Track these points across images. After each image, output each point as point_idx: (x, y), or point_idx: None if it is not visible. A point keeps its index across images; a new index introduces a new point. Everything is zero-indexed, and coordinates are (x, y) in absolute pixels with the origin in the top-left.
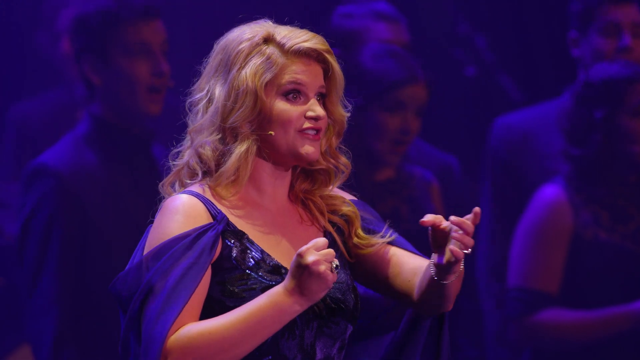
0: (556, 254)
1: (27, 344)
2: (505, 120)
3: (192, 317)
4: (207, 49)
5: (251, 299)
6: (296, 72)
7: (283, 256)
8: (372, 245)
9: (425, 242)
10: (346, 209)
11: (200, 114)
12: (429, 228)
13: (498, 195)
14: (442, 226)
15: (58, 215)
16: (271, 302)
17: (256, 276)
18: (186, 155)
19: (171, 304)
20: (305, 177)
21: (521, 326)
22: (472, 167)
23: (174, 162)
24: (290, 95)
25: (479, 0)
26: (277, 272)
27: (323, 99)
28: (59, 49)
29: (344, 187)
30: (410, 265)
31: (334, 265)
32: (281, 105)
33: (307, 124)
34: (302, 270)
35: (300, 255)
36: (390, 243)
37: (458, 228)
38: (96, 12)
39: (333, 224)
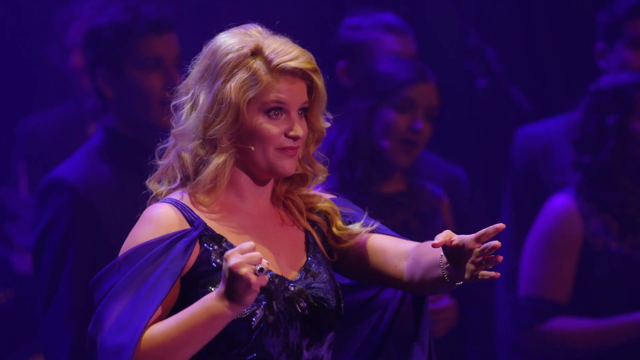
0: (566, 263)
1: (40, 356)
2: (526, 130)
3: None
4: None
5: None
6: (280, 90)
7: (264, 258)
8: (353, 236)
9: None
10: (323, 205)
11: (184, 117)
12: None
13: (517, 204)
14: (453, 243)
15: (73, 228)
16: (203, 307)
17: None
18: (170, 155)
19: (141, 311)
20: (285, 179)
21: (532, 335)
22: (482, 178)
23: (160, 161)
24: (272, 113)
25: (489, 12)
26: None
27: (305, 112)
28: (70, 63)
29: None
30: (395, 250)
31: (258, 268)
32: (262, 123)
33: (286, 143)
34: (227, 273)
35: (225, 259)
36: (372, 232)
37: (476, 245)
38: (110, 24)
39: (313, 223)
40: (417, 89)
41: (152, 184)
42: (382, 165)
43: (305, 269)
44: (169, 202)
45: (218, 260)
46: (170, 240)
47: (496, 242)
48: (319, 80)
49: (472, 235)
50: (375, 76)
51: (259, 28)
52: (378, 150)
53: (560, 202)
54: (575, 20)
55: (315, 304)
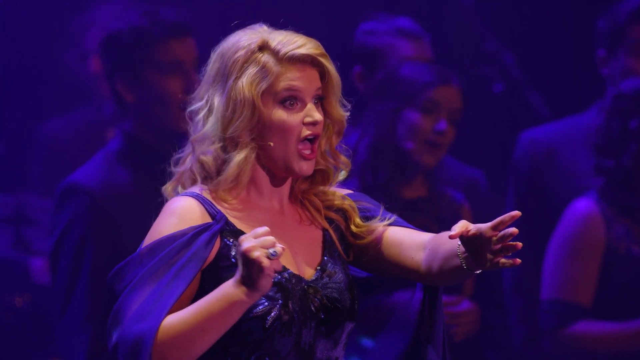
0: (589, 267)
1: None
2: (529, 134)
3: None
4: None
5: None
6: (291, 79)
7: (282, 256)
8: (372, 232)
9: None
10: (341, 202)
11: (201, 124)
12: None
13: (521, 209)
14: (470, 233)
15: (91, 233)
16: (220, 294)
17: None
18: (187, 161)
19: (162, 301)
20: (305, 177)
21: (555, 338)
22: (500, 182)
23: (176, 168)
24: (287, 103)
25: (506, 17)
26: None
27: (321, 101)
28: (88, 68)
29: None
30: (412, 242)
31: (271, 252)
32: (279, 114)
33: (305, 131)
34: (240, 258)
35: (239, 243)
36: (390, 225)
37: (494, 235)
38: (128, 29)
39: (331, 221)
40: (441, 91)
41: (168, 191)
42: (405, 167)
43: (322, 269)
44: (190, 196)
45: (238, 256)
46: (193, 233)
47: (514, 229)
48: (330, 65)
49: (489, 224)
50: (398, 79)
51: (264, 26)
52: (402, 152)
53: (583, 206)
54: (593, 25)
55: (330, 305)
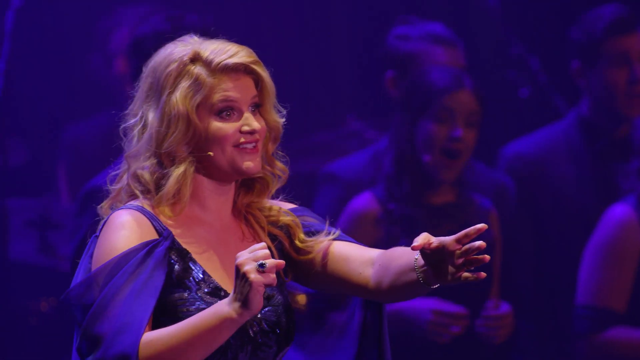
0: (625, 273)
1: None
2: (512, 148)
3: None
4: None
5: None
6: (226, 89)
7: (223, 278)
8: (317, 247)
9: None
10: (285, 218)
11: (135, 139)
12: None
13: (512, 221)
14: (432, 246)
15: None
16: (213, 309)
17: (195, 297)
18: (124, 178)
19: (134, 321)
20: (246, 190)
21: (589, 344)
22: (529, 188)
23: (112, 186)
24: (224, 113)
25: (532, 21)
26: (216, 294)
27: (258, 108)
28: (113, 70)
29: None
30: (359, 258)
31: (258, 264)
32: (216, 124)
33: (242, 139)
34: (236, 274)
35: (236, 260)
36: (335, 239)
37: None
38: (153, 34)
39: (274, 237)
40: (454, 97)
41: (104, 210)
42: (428, 179)
43: None
44: (133, 209)
45: (181, 277)
46: (148, 249)
47: (481, 243)
48: (263, 72)
49: (453, 237)
50: (415, 88)
51: (195, 37)
52: (422, 165)
53: (620, 212)
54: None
55: (267, 328)
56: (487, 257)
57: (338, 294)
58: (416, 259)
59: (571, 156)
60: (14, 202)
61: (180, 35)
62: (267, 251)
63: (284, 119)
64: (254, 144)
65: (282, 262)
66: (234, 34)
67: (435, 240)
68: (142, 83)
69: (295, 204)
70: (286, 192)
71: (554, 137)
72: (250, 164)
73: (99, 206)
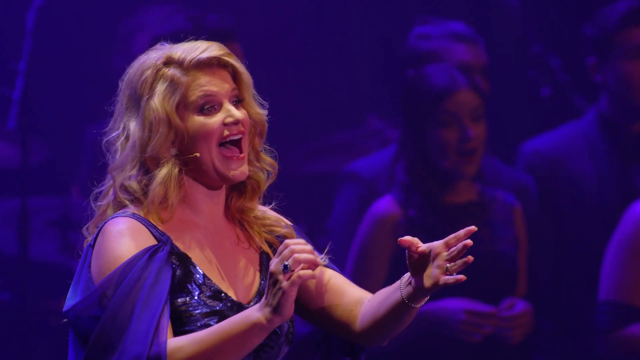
0: None
1: None
2: (531, 145)
3: (169, 332)
4: (282, 70)
5: (191, 324)
6: (202, 85)
7: (223, 281)
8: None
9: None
10: (284, 230)
11: (119, 152)
12: (406, 250)
13: (531, 218)
14: (420, 249)
15: None
16: (243, 314)
17: (198, 301)
18: (110, 193)
19: (142, 329)
20: (239, 193)
21: (611, 340)
22: (550, 187)
23: (98, 203)
24: (205, 109)
25: (552, 21)
26: (217, 298)
27: (240, 102)
28: None
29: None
30: (352, 295)
31: (282, 266)
32: (198, 120)
33: (227, 131)
34: (269, 280)
35: (270, 265)
36: (326, 267)
37: (445, 251)
38: (173, 34)
39: (270, 244)
40: (454, 99)
41: (91, 230)
42: (443, 182)
43: (259, 293)
44: (129, 216)
45: (182, 281)
46: (149, 254)
47: (468, 241)
48: (237, 63)
49: (442, 240)
50: (412, 99)
51: (166, 44)
52: (440, 169)
53: None
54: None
55: None
56: (471, 258)
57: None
58: (403, 279)
59: (590, 153)
60: (35, 202)
61: (200, 35)
62: (292, 249)
63: (266, 112)
64: (239, 150)
65: (314, 271)
66: (254, 34)
67: (423, 245)
68: (120, 97)
69: (291, 221)
70: (308, 192)
71: (573, 134)
72: (236, 172)
73: (84, 227)
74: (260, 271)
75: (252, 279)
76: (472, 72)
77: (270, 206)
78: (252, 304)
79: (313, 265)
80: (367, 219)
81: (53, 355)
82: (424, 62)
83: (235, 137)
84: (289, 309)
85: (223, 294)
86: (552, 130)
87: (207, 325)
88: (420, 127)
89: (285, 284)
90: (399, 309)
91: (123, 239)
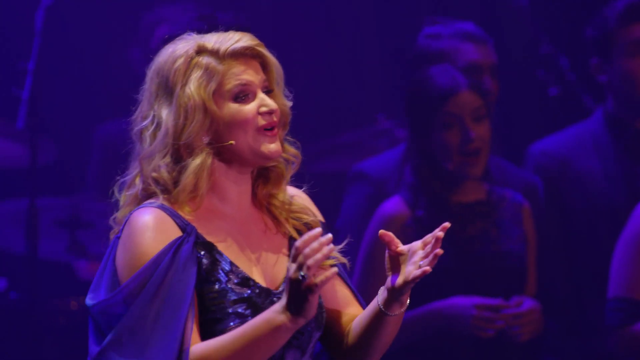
0: None
1: None
2: (539, 146)
3: (194, 335)
4: (291, 70)
5: (220, 312)
6: (238, 74)
7: (250, 267)
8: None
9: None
10: (310, 218)
11: (148, 141)
12: (386, 249)
13: (540, 219)
14: (398, 249)
15: None
16: (266, 317)
17: (226, 288)
18: (137, 183)
19: (169, 334)
20: (264, 180)
21: (620, 336)
22: (558, 187)
23: (125, 193)
24: (240, 98)
25: (561, 21)
26: (245, 284)
27: (268, 94)
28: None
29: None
30: (350, 315)
31: (299, 276)
32: (234, 107)
33: (262, 121)
34: (287, 284)
35: (288, 270)
36: (335, 265)
37: (422, 250)
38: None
39: (297, 230)
40: (455, 101)
41: (119, 219)
42: (449, 183)
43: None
44: (155, 207)
45: (209, 269)
46: (174, 249)
47: (440, 233)
48: (269, 54)
49: (420, 240)
50: (414, 102)
51: (192, 34)
52: (445, 171)
53: None
54: None
55: None
56: (441, 251)
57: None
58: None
59: (598, 152)
60: (44, 201)
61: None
62: (305, 254)
63: (291, 103)
64: (273, 128)
65: (332, 273)
66: (265, 33)
67: (403, 246)
68: (148, 86)
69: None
70: (317, 191)
71: (580, 134)
72: (272, 147)
73: (111, 217)
74: (288, 256)
75: (280, 265)
76: (482, 71)
77: (303, 189)
78: (280, 289)
79: (326, 261)
80: (376, 219)
81: (60, 354)
82: (434, 61)
83: (268, 127)
84: (312, 310)
85: (251, 281)
86: (560, 131)
87: (236, 313)
88: (424, 128)
89: (307, 292)
90: (376, 319)
91: (148, 232)
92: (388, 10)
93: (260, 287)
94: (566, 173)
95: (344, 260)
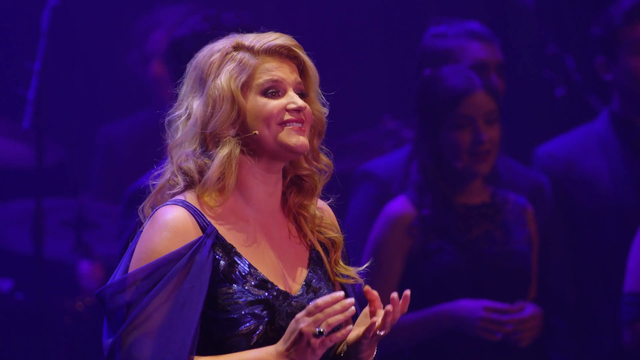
0: None
1: None
2: (546, 148)
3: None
4: None
5: (236, 313)
6: (270, 69)
7: (269, 271)
8: (348, 277)
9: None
10: (333, 234)
11: (179, 131)
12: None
13: (547, 221)
14: (377, 309)
15: None
16: (258, 357)
17: (243, 290)
18: (167, 172)
19: (177, 340)
20: (298, 189)
21: (635, 331)
22: (564, 187)
23: (154, 182)
24: (269, 92)
25: (567, 21)
26: (263, 287)
27: (303, 98)
28: (150, 72)
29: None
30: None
31: (317, 331)
32: (261, 101)
33: (288, 116)
34: (295, 335)
35: (296, 321)
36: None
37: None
38: (191, 35)
39: (320, 243)
40: (469, 101)
41: (145, 211)
42: (457, 180)
43: (307, 284)
44: (180, 205)
45: (227, 271)
46: (190, 254)
47: (389, 307)
48: (305, 56)
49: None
50: (427, 101)
51: (235, 34)
52: (453, 169)
53: None
54: None
55: None
56: (381, 311)
57: None
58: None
59: (604, 152)
60: (50, 202)
61: (219, 35)
62: (326, 312)
63: (327, 110)
64: (300, 124)
65: (347, 331)
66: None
67: (381, 310)
68: (186, 80)
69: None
70: (324, 191)
71: (586, 135)
72: (298, 140)
73: (139, 207)
74: (309, 265)
75: (300, 272)
76: (488, 69)
77: (329, 202)
78: (298, 293)
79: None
80: (381, 219)
81: (67, 354)
82: (440, 61)
83: (296, 124)
84: None
85: (269, 283)
86: (565, 133)
87: (253, 314)
88: (435, 127)
89: (317, 347)
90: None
91: (165, 232)
92: (394, 10)
93: (278, 290)
94: (572, 174)
95: (361, 280)
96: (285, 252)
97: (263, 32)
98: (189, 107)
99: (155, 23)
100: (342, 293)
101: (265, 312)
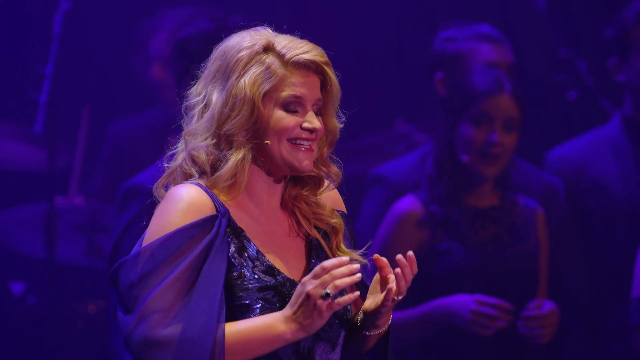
0: None
1: None
2: (557, 152)
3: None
4: None
5: (248, 299)
6: (295, 84)
7: (275, 259)
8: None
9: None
10: (333, 220)
11: (195, 118)
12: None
13: (560, 224)
14: (387, 275)
15: None
16: (268, 322)
17: (252, 275)
18: (179, 158)
19: (206, 307)
20: (295, 182)
21: None
22: (577, 190)
23: (168, 164)
24: (289, 107)
25: (579, 25)
26: (270, 273)
27: (319, 111)
28: (150, 74)
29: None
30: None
31: (324, 293)
32: (279, 114)
33: (300, 134)
34: (302, 298)
35: (303, 284)
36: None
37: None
38: (197, 35)
39: (319, 229)
40: (493, 101)
41: (159, 189)
42: (467, 179)
43: (311, 271)
44: (194, 184)
45: (236, 255)
46: (206, 224)
47: (406, 255)
48: (332, 74)
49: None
50: (456, 91)
51: (268, 29)
52: (461, 164)
53: None
54: None
55: None
56: (398, 270)
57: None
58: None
59: (616, 156)
60: (62, 205)
61: (224, 36)
62: (332, 274)
63: (342, 125)
64: (309, 143)
65: (354, 295)
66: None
67: (392, 275)
68: (209, 64)
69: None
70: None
71: (598, 139)
72: (304, 161)
73: (153, 186)
74: (310, 254)
75: (302, 261)
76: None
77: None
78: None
79: (353, 285)
80: (389, 217)
81: (79, 357)
82: (451, 64)
83: (305, 143)
84: (320, 326)
85: (276, 270)
86: (577, 137)
87: (265, 299)
88: (455, 119)
89: (324, 309)
90: (355, 337)
91: (181, 204)
92: (406, 14)
93: (284, 277)
94: (584, 178)
95: (365, 261)
96: (287, 245)
97: (297, 36)
98: (208, 96)
99: (156, 26)
100: (347, 257)
101: (276, 298)
